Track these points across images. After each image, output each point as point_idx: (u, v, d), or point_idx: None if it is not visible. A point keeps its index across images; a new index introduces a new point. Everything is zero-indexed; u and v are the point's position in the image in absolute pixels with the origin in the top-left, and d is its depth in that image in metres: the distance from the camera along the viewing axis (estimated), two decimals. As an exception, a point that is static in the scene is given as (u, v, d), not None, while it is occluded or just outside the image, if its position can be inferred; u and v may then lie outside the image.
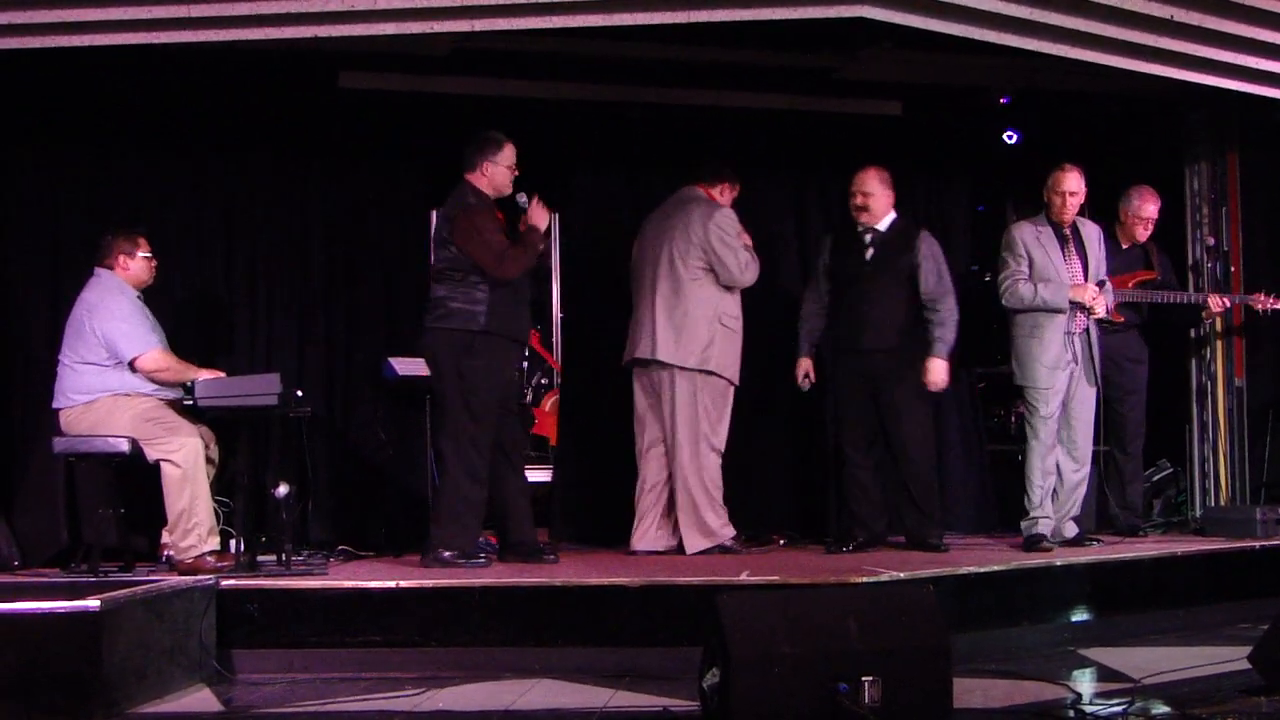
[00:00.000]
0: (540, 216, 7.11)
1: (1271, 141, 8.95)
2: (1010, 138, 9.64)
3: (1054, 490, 7.78)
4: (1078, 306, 7.68)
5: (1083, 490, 7.89)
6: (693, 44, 8.02)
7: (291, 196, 8.50)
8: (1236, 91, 8.00)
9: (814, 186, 9.28)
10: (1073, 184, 7.72)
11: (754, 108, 9.17)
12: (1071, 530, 7.77)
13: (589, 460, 8.62)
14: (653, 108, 8.99)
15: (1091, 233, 7.89)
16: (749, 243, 7.77)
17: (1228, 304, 8.57)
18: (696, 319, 7.62)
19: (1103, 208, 8.61)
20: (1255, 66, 7.71)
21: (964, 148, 9.66)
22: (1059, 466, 7.76)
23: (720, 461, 7.77)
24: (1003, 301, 7.77)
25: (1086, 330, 7.75)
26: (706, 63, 8.57)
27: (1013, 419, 9.35)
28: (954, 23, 7.03)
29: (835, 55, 8.59)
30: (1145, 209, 8.32)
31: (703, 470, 7.65)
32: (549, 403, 9.11)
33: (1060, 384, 7.68)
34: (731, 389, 7.78)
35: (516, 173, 7.25)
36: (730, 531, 7.70)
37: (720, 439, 7.76)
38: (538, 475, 8.62)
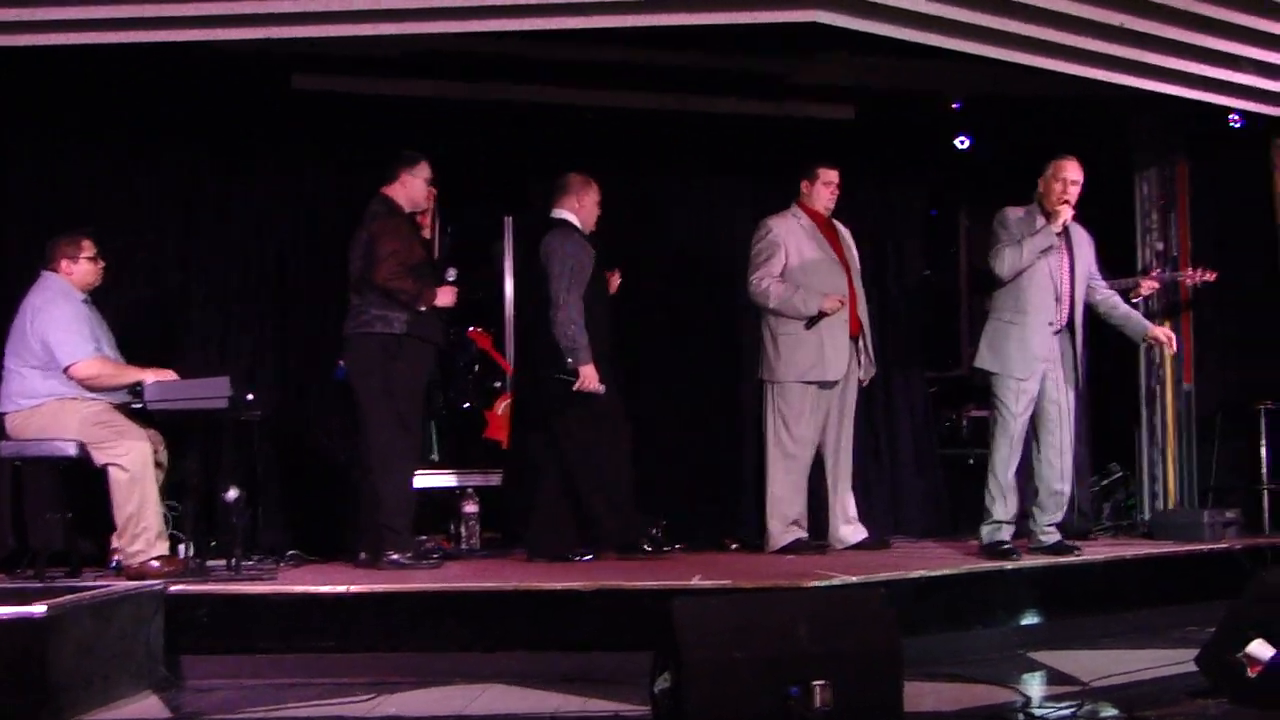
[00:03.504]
0: (445, 298, 7.15)
1: (1220, 148, 9.01)
2: (962, 143, 9.67)
3: (1035, 498, 7.56)
4: (1067, 297, 7.44)
5: (1066, 497, 7.59)
6: (645, 47, 8.09)
7: (245, 198, 8.47)
8: (1186, 99, 8.06)
9: (766, 190, 9.24)
10: (1075, 172, 7.42)
11: (707, 112, 9.19)
12: (1052, 537, 7.53)
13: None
14: (606, 111, 9.02)
15: (1083, 237, 7.63)
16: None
17: (1157, 284, 8.56)
18: None
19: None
20: (1204, 74, 7.80)
21: (917, 153, 9.69)
22: (1041, 473, 7.50)
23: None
24: (995, 270, 7.39)
25: (1070, 326, 7.48)
26: (660, 66, 8.60)
27: (964, 422, 9.38)
28: (906, 28, 7.05)
29: (788, 60, 8.60)
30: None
31: None
32: (501, 406, 9.05)
33: (1035, 379, 7.38)
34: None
35: (434, 190, 7.38)
36: None
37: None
38: (489, 480, 8.63)
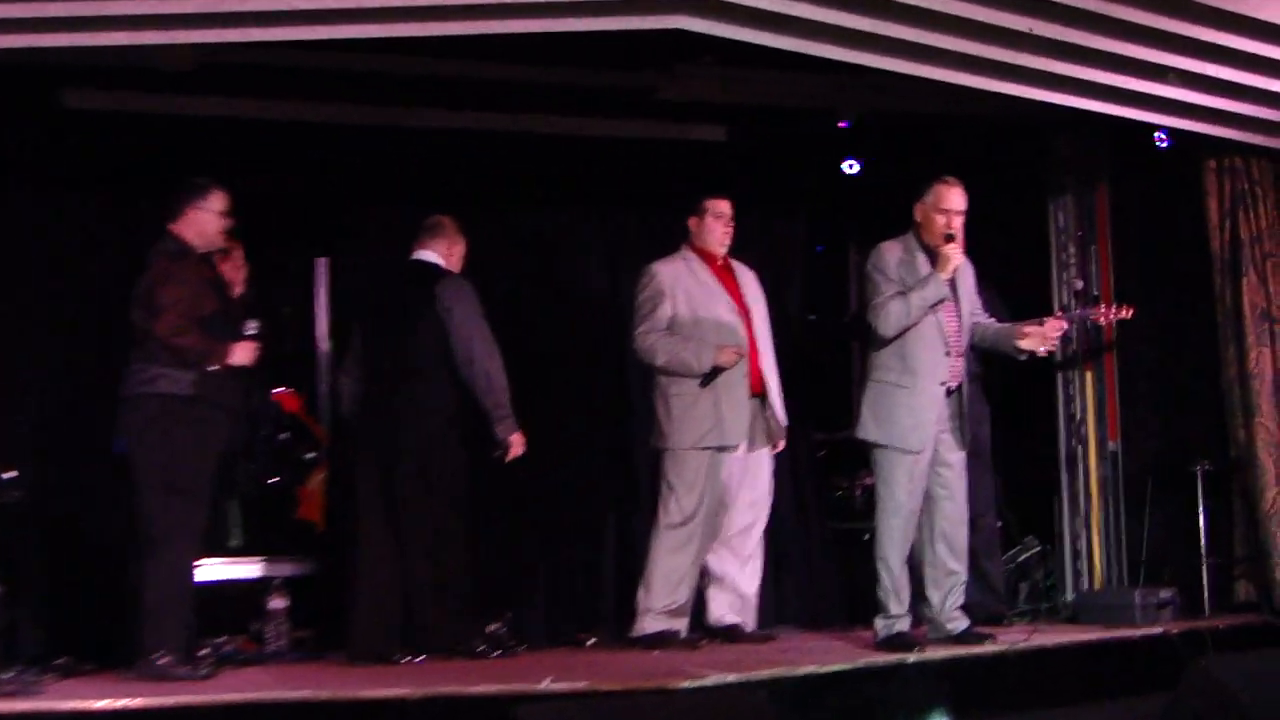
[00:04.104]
0: (242, 354, 7.06)
1: (1146, 171, 9.14)
2: (851, 167, 9.73)
3: (931, 579, 7.55)
4: (957, 350, 7.47)
5: (964, 576, 7.62)
6: (485, 60, 8.09)
7: (9, 233, 8.29)
8: (1105, 115, 8.18)
9: (625, 219, 9.30)
10: (960, 199, 7.45)
11: (557, 132, 9.22)
12: (958, 624, 7.56)
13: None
14: (440, 133, 8.99)
15: (963, 269, 7.59)
16: None
17: (1065, 325, 8.55)
18: None
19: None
20: (1125, 86, 7.86)
21: (798, 179, 9.77)
22: (934, 551, 7.52)
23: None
24: (877, 329, 7.37)
25: (960, 387, 7.50)
26: (501, 81, 8.60)
27: (858, 492, 9.40)
28: (783, 35, 7.05)
29: (650, 73, 8.64)
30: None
31: None
32: (315, 481, 8.93)
33: (929, 449, 7.40)
34: None
35: (230, 221, 7.25)
36: None
37: None
38: (301, 569, 8.52)
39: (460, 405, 7.61)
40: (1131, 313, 8.80)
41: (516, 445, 7.56)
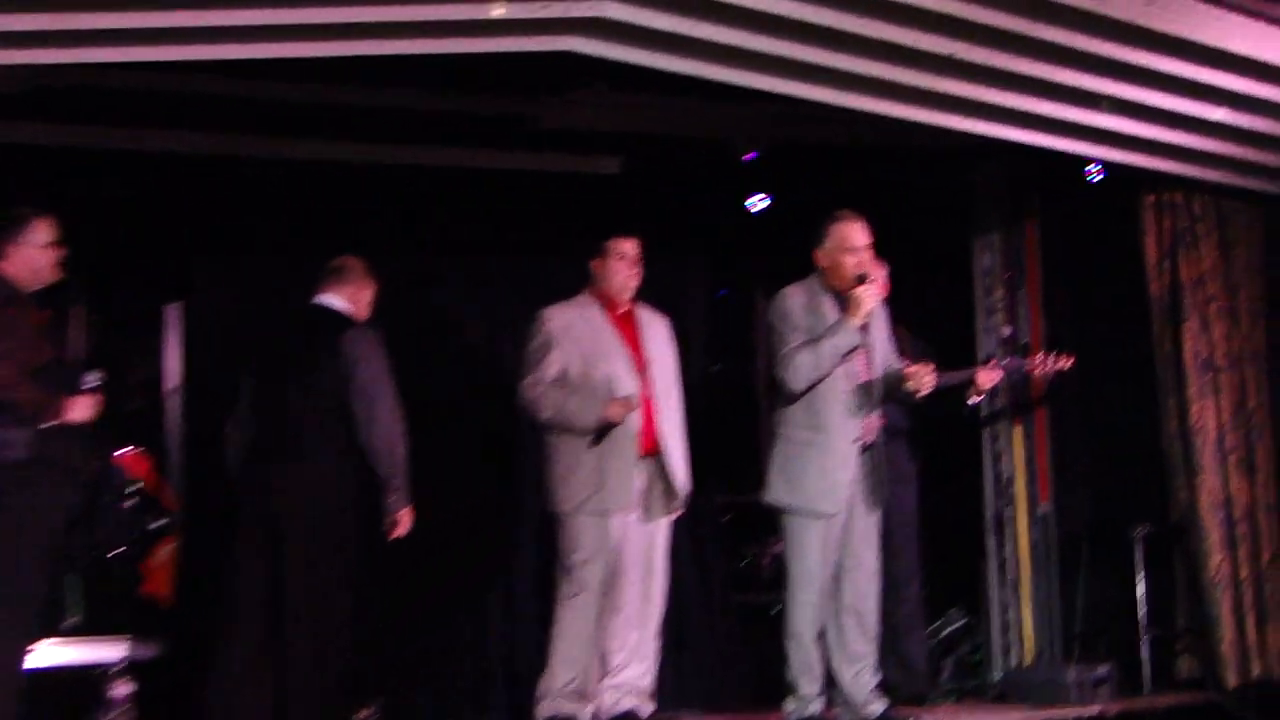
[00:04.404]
0: (80, 410, 6.83)
1: (1077, 208, 9.15)
2: (757, 204, 9.71)
3: (842, 656, 7.37)
4: (872, 403, 7.31)
5: (873, 657, 7.43)
6: (356, 85, 8.08)
7: None
8: (1034, 146, 8.19)
9: (508, 261, 9.22)
10: (864, 235, 7.30)
11: (435, 165, 9.16)
12: (874, 706, 7.37)
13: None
14: (300, 166, 8.88)
15: (878, 311, 7.45)
16: None
17: (999, 375, 8.53)
18: None
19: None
20: (1055, 115, 7.89)
21: (699, 216, 9.69)
22: (841, 628, 7.36)
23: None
24: (785, 383, 7.25)
25: (875, 443, 7.34)
26: (374, 109, 8.56)
27: (766, 560, 9.35)
28: (682, 59, 6.99)
29: (538, 100, 8.61)
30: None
31: None
32: (164, 551, 8.79)
33: (842, 511, 7.26)
34: None
35: (59, 250, 7.00)
36: None
37: None
38: (147, 652, 8.30)
39: (356, 470, 7.46)
40: (1070, 362, 8.72)
41: (404, 522, 7.41)
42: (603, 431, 7.51)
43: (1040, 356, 8.73)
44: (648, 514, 7.71)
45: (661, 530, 7.81)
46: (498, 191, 9.20)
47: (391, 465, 7.37)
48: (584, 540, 7.54)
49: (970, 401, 8.17)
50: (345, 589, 7.43)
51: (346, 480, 7.48)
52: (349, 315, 7.63)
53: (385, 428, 7.35)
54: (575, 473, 7.57)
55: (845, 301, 7.23)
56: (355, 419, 7.37)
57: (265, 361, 7.80)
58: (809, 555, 7.26)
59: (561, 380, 7.62)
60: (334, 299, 7.65)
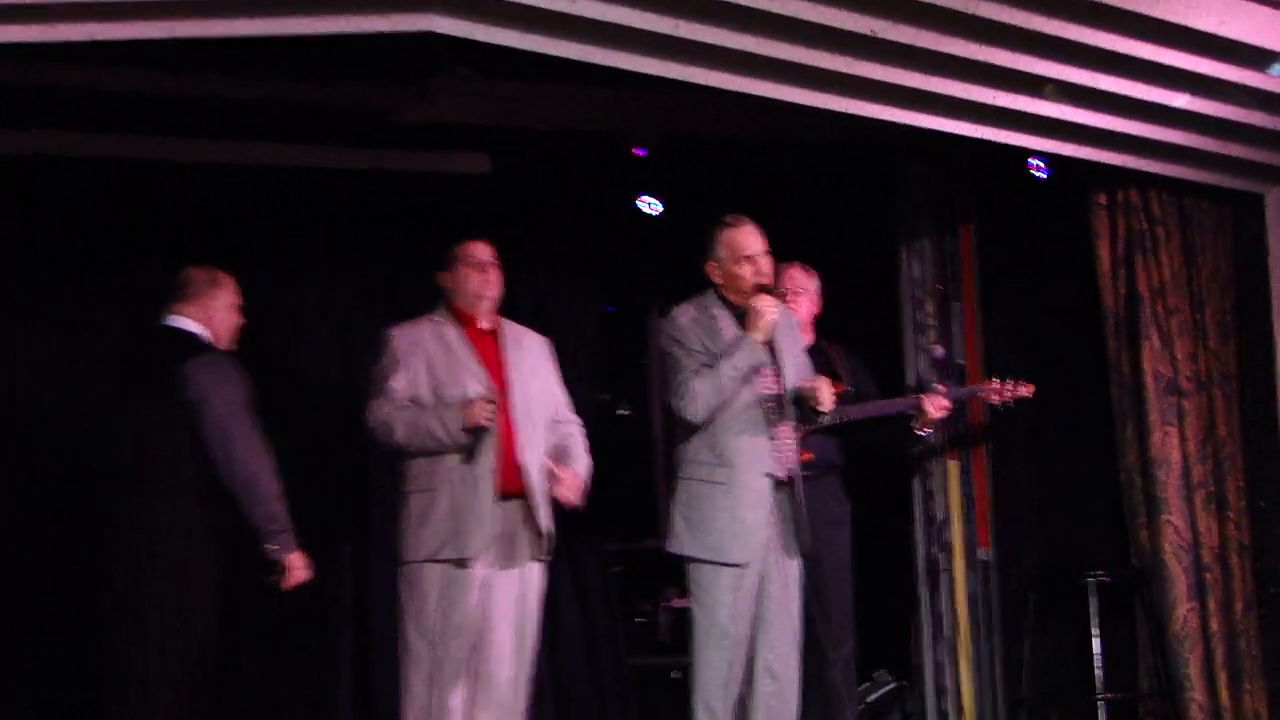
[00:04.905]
0: None
1: (1019, 209, 9.14)
2: (651, 207, 9.70)
3: None
4: (785, 422, 7.26)
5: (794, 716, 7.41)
6: (189, 74, 8.05)
7: None
8: (968, 138, 8.18)
9: (362, 273, 9.24)
10: (757, 240, 7.29)
11: (279, 164, 9.11)
12: None
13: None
14: (131, 163, 8.79)
15: (785, 324, 7.41)
16: None
17: (948, 404, 8.50)
18: None
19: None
20: (992, 103, 7.87)
21: (582, 220, 9.71)
22: (755, 693, 7.26)
23: None
24: (683, 414, 7.19)
25: (792, 478, 7.27)
26: (207, 99, 8.49)
27: (664, 616, 9.32)
28: (559, 39, 6.92)
29: (393, 90, 8.62)
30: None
31: None
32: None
33: (757, 558, 7.18)
34: None
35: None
36: None
37: None
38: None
39: (218, 520, 7.30)
40: (1030, 390, 8.70)
41: (296, 567, 7.25)
42: (473, 442, 7.40)
43: (999, 383, 8.69)
44: (511, 562, 7.61)
45: (533, 581, 7.70)
46: (352, 194, 9.18)
47: (261, 507, 7.18)
48: (436, 592, 7.45)
49: (920, 433, 8.14)
50: (205, 664, 7.27)
51: (205, 536, 7.31)
52: (200, 337, 7.46)
53: (244, 465, 7.16)
54: (428, 516, 7.50)
55: (743, 314, 7.18)
56: (212, 460, 7.23)
57: (99, 400, 7.67)
58: (718, 609, 7.16)
59: (412, 402, 7.55)
60: (183, 320, 7.48)
